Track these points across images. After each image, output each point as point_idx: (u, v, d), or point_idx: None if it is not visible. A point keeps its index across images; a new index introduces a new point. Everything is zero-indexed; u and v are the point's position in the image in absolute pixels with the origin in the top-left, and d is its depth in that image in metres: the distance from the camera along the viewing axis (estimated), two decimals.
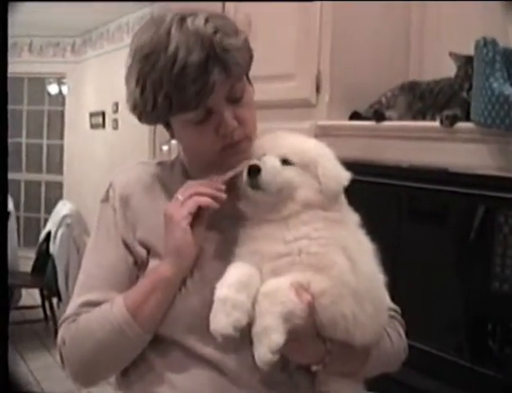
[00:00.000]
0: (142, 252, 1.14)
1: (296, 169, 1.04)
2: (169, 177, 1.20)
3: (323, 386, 1.12)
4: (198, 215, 1.07)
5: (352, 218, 1.09)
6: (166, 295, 1.08)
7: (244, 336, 1.07)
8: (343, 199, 1.09)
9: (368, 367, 1.12)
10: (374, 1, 2.02)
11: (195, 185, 1.08)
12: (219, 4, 2.35)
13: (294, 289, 0.97)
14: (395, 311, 1.24)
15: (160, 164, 1.24)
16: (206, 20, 1.06)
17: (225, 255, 1.11)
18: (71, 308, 1.13)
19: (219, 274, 1.09)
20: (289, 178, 1.04)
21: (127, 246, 1.14)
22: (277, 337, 0.94)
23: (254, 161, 1.04)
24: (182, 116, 1.08)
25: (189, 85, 1.02)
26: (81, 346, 1.10)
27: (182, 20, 1.06)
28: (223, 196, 1.06)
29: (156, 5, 3.27)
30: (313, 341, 1.04)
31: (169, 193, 1.15)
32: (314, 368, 1.07)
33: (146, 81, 1.05)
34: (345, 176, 1.07)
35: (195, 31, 1.04)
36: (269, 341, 0.94)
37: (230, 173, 1.10)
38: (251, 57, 1.13)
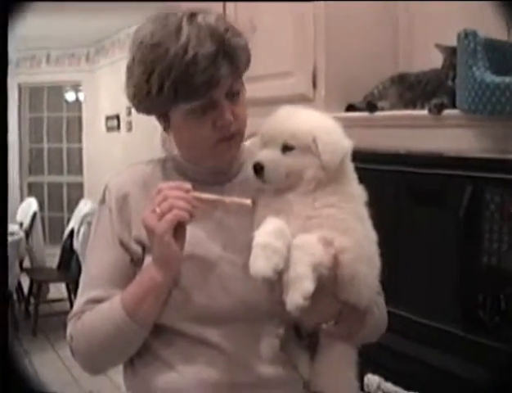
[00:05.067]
0: (138, 249, 1.14)
1: (297, 152, 1.06)
2: (162, 174, 1.19)
3: (322, 357, 1.15)
4: (178, 224, 1.04)
5: (360, 192, 1.11)
6: (159, 297, 1.08)
7: (242, 319, 1.11)
8: (351, 171, 1.11)
9: (364, 330, 1.14)
10: (363, 0, 2.04)
11: (170, 194, 1.03)
12: (220, 4, 2.36)
13: (321, 243, 1.00)
14: None
15: (151, 162, 1.23)
16: (217, 19, 1.07)
17: (219, 241, 1.12)
18: (76, 306, 1.16)
19: (213, 261, 1.11)
20: (291, 165, 1.06)
21: (123, 244, 1.14)
22: (309, 284, 0.97)
23: (257, 158, 1.06)
24: (184, 106, 1.07)
25: (198, 75, 1.02)
26: (86, 342, 1.13)
27: (192, 16, 1.06)
28: (197, 213, 1.04)
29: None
30: (330, 300, 1.06)
31: None
32: (324, 325, 1.10)
33: (155, 68, 1.04)
34: (344, 146, 1.07)
35: (206, 26, 1.05)
36: (301, 287, 0.97)
37: (209, 196, 1.08)
38: (249, 59, 1.14)
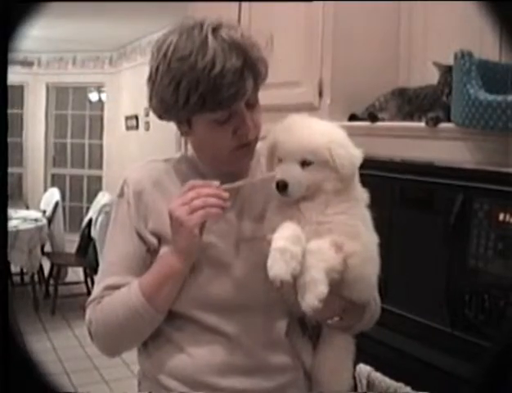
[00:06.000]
0: (153, 241, 1.13)
1: (315, 166, 1.03)
2: (176, 172, 1.17)
3: (325, 346, 1.15)
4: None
5: (364, 195, 1.10)
6: (176, 284, 1.08)
7: (250, 310, 1.11)
8: (357, 176, 1.10)
9: (363, 322, 1.15)
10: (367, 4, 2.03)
11: (202, 192, 1.02)
12: (235, 11, 2.36)
13: (333, 247, 0.99)
14: None
15: (167, 160, 1.21)
16: (240, 33, 1.05)
17: (231, 240, 1.11)
18: (96, 291, 1.14)
19: (226, 256, 1.10)
20: (312, 180, 1.03)
21: (140, 235, 1.13)
22: (323, 288, 0.96)
23: (279, 177, 1.03)
24: (209, 115, 1.05)
25: (225, 88, 1.00)
26: (105, 326, 1.11)
27: (215, 29, 1.03)
28: (228, 205, 1.04)
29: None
30: (336, 299, 1.05)
31: (176, 185, 1.13)
32: (329, 321, 1.09)
33: (182, 79, 1.01)
34: (358, 156, 1.06)
35: (230, 40, 1.02)
36: (316, 290, 0.96)
37: (238, 183, 1.08)
38: (267, 71, 1.11)
